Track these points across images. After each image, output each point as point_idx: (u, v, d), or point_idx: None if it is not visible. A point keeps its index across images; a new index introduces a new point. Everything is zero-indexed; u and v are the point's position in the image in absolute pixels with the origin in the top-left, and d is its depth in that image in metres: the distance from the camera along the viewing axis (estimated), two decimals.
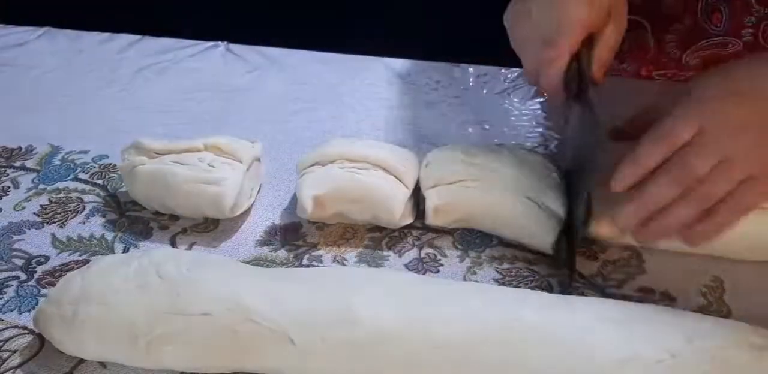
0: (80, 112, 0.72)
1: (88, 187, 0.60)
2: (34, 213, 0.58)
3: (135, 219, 0.56)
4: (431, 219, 0.53)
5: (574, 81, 0.53)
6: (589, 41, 0.53)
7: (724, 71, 0.49)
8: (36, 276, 0.52)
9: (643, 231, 0.46)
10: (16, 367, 0.45)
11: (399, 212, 0.52)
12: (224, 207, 0.53)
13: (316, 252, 0.53)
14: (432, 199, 0.53)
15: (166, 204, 0.55)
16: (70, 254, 0.54)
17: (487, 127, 0.68)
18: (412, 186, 0.54)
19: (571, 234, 0.50)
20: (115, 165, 0.63)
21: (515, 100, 0.72)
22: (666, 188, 0.45)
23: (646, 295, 0.48)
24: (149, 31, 0.91)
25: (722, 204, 0.44)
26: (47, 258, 0.54)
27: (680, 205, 0.45)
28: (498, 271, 0.50)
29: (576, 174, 0.53)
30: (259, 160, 0.59)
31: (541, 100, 0.72)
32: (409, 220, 0.54)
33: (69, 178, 0.62)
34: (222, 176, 0.53)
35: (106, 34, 0.90)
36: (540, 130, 0.67)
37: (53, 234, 0.56)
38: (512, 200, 0.51)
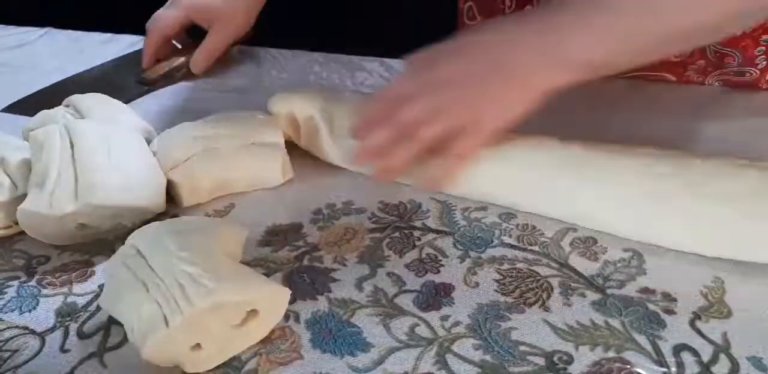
0: None
1: None
2: None
3: None
4: (187, 200, 0.58)
5: None
6: None
7: (461, 39, 0.55)
8: (36, 276, 0.52)
9: (378, 171, 0.56)
10: (17, 367, 0.45)
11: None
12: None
13: (317, 253, 0.53)
14: (178, 180, 0.57)
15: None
16: (70, 254, 0.54)
17: None
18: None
19: None
20: None
21: None
22: (380, 132, 0.53)
23: (646, 296, 0.48)
24: None
25: (439, 151, 0.52)
26: (47, 258, 0.54)
27: (399, 146, 0.53)
28: (498, 272, 0.50)
29: None
30: None
31: None
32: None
33: None
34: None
35: (107, 35, 0.90)
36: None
37: None
38: (238, 152, 0.59)
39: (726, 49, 0.69)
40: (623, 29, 0.49)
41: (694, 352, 0.44)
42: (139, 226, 0.49)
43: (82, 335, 0.47)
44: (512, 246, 0.53)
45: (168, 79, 0.78)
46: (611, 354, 0.44)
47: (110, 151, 0.54)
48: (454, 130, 0.51)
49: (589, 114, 0.65)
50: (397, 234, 0.55)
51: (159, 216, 0.57)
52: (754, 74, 0.70)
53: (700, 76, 0.73)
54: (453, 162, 0.53)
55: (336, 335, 0.46)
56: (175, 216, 0.58)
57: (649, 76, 0.73)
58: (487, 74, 0.51)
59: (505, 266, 0.51)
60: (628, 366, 0.43)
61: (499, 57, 0.51)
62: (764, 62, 0.70)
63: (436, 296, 0.49)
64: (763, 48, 0.69)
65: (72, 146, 0.54)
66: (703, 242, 0.50)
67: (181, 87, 0.78)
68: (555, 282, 0.50)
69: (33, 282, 0.52)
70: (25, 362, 0.45)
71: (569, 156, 0.54)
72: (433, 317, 0.47)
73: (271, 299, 0.45)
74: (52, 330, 0.48)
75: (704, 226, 0.49)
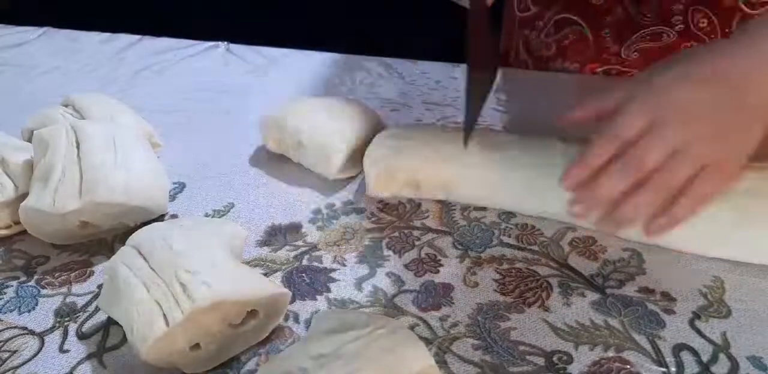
0: None
1: None
2: None
3: None
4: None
5: None
6: None
7: (676, 59, 0.48)
8: (36, 276, 0.52)
9: (605, 223, 0.48)
10: (16, 367, 0.45)
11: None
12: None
13: (316, 253, 0.53)
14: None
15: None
16: (69, 255, 0.54)
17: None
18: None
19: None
20: None
21: None
22: (617, 181, 0.45)
23: (646, 295, 0.48)
24: (149, 31, 0.91)
25: (680, 195, 0.45)
26: (47, 258, 0.54)
27: (638, 194, 0.45)
28: (498, 272, 0.50)
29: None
30: None
31: None
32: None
33: None
34: None
35: (106, 35, 0.90)
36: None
37: None
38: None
39: None
40: None
41: (694, 352, 0.44)
42: (140, 227, 0.49)
43: (81, 335, 0.47)
44: (512, 246, 0.53)
45: None
46: (611, 353, 0.44)
47: (116, 152, 0.54)
48: (696, 171, 0.45)
49: None
50: (396, 234, 0.55)
51: (159, 217, 0.57)
52: (672, 36, 0.69)
53: (615, 42, 0.72)
54: (693, 205, 0.46)
55: None
56: (175, 216, 0.58)
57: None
58: (726, 103, 0.45)
59: (505, 266, 0.51)
60: (628, 366, 0.43)
61: (736, 83, 0.45)
62: (681, 24, 0.68)
63: (436, 296, 0.49)
64: (681, 5, 0.68)
65: (78, 146, 0.54)
66: (702, 242, 0.50)
67: (180, 86, 0.78)
68: (554, 281, 0.50)
69: (32, 283, 0.52)
70: (25, 362, 0.45)
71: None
72: (432, 317, 0.47)
73: (272, 300, 0.45)
74: (51, 330, 0.48)
75: (702, 226, 0.49)
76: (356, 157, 0.60)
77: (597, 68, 0.76)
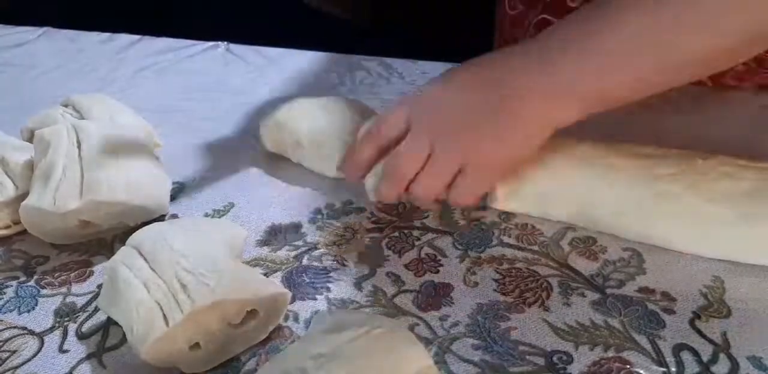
0: None
1: None
2: None
3: None
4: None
5: None
6: None
7: (460, 66, 0.51)
8: (35, 276, 0.52)
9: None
10: (16, 367, 0.45)
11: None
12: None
13: (316, 253, 0.53)
14: None
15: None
16: (69, 254, 0.54)
17: None
18: None
19: None
20: None
21: None
22: (389, 192, 0.52)
23: (646, 295, 0.48)
24: (149, 31, 0.91)
25: (449, 194, 0.50)
26: (47, 258, 0.54)
27: (415, 202, 0.53)
28: (498, 272, 0.50)
29: None
30: None
31: None
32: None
33: None
34: None
35: (106, 35, 0.90)
36: None
37: None
38: None
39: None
40: (625, 59, 0.46)
41: (694, 352, 0.44)
42: (140, 227, 0.49)
43: (81, 335, 0.47)
44: (511, 246, 0.53)
45: None
46: (611, 353, 0.44)
47: (117, 152, 0.54)
48: (452, 173, 0.49)
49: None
50: (396, 233, 0.55)
51: (159, 217, 0.57)
52: None
53: (736, 82, 0.69)
54: (454, 204, 0.53)
55: None
56: (175, 216, 0.58)
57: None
58: (484, 113, 0.48)
59: (505, 266, 0.51)
60: (628, 366, 0.43)
61: (500, 93, 0.48)
62: None
63: (436, 296, 0.49)
64: None
65: (79, 145, 0.54)
66: (702, 242, 0.50)
67: (179, 86, 0.78)
68: (554, 281, 0.49)
69: (32, 283, 0.52)
70: (24, 362, 0.45)
71: (580, 156, 0.54)
72: (432, 317, 0.47)
73: (272, 300, 0.45)
74: (50, 330, 0.48)
75: (703, 227, 0.49)
76: None
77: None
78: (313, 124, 0.60)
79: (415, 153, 0.49)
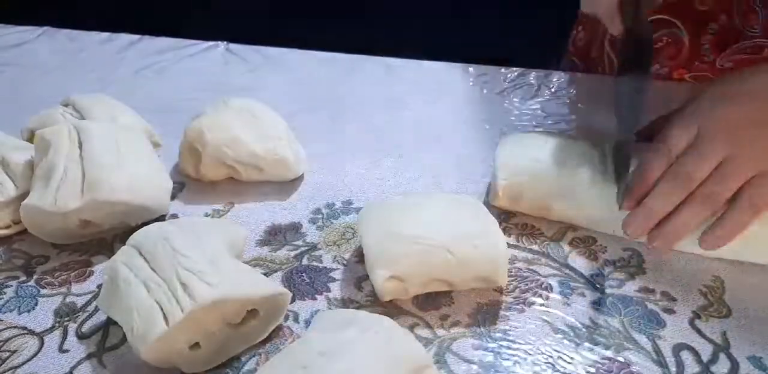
0: None
1: None
2: None
3: None
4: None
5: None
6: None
7: (731, 77, 0.49)
8: (35, 276, 0.52)
9: (655, 238, 0.48)
10: (16, 367, 0.45)
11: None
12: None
13: (316, 253, 0.53)
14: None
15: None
16: (69, 254, 0.54)
17: (487, 126, 0.68)
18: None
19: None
20: None
21: (515, 99, 0.72)
22: (668, 196, 0.46)
23: (646, 295, 0.48)
24: (149, 31, 0.91)
25: (732, 205, 0.45)
26: (47, 258, 0.54)
27: (686, 208, 0.46)
28: None
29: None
30: None
31: (542, 99, 0.72)
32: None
33: None
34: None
35: (106, 34, 0.90)
36: (539, 130, 0.67)
37: None
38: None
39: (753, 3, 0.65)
40: None
41: (694, 352, 0.44)
42: (141, 227, 0.49)
43: (81, 335, 0.47)
44: (511, 246, 0.53)
45: None
46: (611, 353, 0.44)
47: (119, 152, 0.54)
48: (743, 182, 0.46)
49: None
50: None
51: (159, 217, 0.57)
52: None
53: (713, 50, 0.69)
54: (746, 215, 0.46)
55: None
56: (175, 216, 0.58)
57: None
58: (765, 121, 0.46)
59: (507, 265, 0.51)
60: (628, 366, 0.43)
61: None
62: None
63: (436, 295, 0.49)
64: None
65: (80, 146, 0.54)
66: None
67: (179, 86, 0.78)
68: (554, 281, 0.49)
69: (32, 282, 0.52)
70: (24, 362, 0.45)
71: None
72: (432, 317, 0.47)
73: (272, 299, 0.45)
74: (51, 330, 0.47)
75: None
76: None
77: (686, 74, 0.73)
78: (257, 139, 0.59)
79: (706, 159, 0.46)
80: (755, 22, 0.66)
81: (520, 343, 0.45)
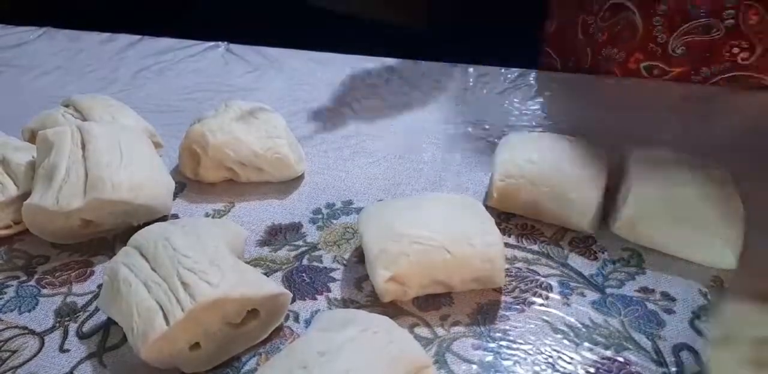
0: None
1: None
2: None
3: None
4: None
5: None
6: None
7: None
8: (36, 276, 0.52)
9: None
10: (17, 367, 0.45)
11: None
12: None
13: (316, 253, 0.53)
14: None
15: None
16: (70, 254, 0.54)
17: (487, 127, 0.68)
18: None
19: None
20: None
21: (515, 100, 0.72)
22: None
23: (646, 295, 0.48)
24: (149, 31, 0.91)
25: None
26: (47, 258, 0.54)
27: None
28: None
29: None
30: None
31: (541, 99, 0.72)
32: None
33: None
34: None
35: (106, 35, 0.90)
36: (540, 130, 0.67)
37: None
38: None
39: None
40: None
41: (694, 352, 0.44)
42: (142, 227, 0.49)
43: (81, 335, 0.47)
44: (511, 246, 0.53)
45: None
46: (611, 353, 0.44)
47: (121, 152, 0.54)
48: None
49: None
50: None
51: (160, 217, 0.57)
52: (720, 31, 0.68)
53: (665, 31, 0.71)
54: None
55: None
56: (176, 216, 0.58)
57: (753, 78, 0.71)
58: None
59: (505, 265, 0.51)
60: (628, 366, 0.43)
61: None
62: (731, 20, 0.68)
63: (436, 295, 0.49)
64: None
65: (83, 146, 0.54)
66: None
67: (179, 86, 0.78)
68: (554, 281, 0.50)
69: (32, 282, 0.52)
70: (25, 362, 0.45)
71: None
72: (432, 317, 0.47)
73: (272, 299, 0.45)
74: (51, 330, 0.48)
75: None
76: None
77: (642, 61, 0.75)
78: (256, 140, 0.59)
79: None
80: (700, 2, 0.68)
81: (520, 343, 0.45)
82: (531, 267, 0.51)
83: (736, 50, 0.69)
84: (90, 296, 0.50)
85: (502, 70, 0.78)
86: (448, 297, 0.48)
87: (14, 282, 0.52)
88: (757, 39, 0.67)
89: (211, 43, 0.87)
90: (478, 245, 0.46)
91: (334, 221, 0.56)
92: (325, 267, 0.52)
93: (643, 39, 0.73)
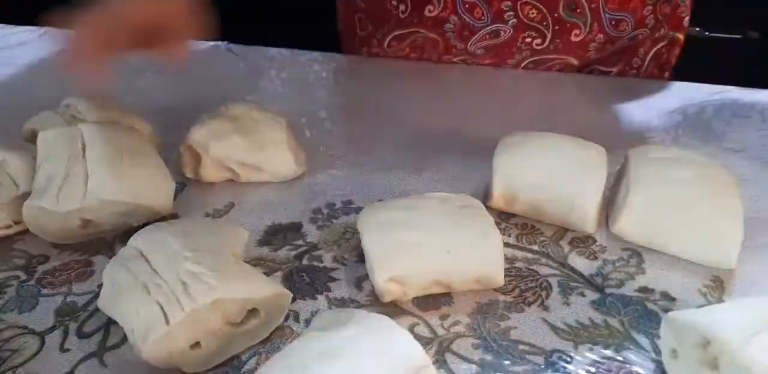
0: None
1: None
2: None
3: None
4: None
5: None
6: None
7: None
8: (36, 275, 0.52)
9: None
10: (16, 367, 0.45)
11: None
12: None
13: (316, 252, 0.53)
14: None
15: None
16: (70, 254, 0.54)
17: (488, 127, 0.68)
18: None
19: None
20: None
21: (520, 99, 0.73)
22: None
23: (645, 295, 0.48)
24: None
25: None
26: (47, 258, 0.54)
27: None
28: None
29: None
30: None
31: (546, 99, 0.72)
32: None
33: None
34: None
35: None
36: (542, 131, 0.67)
37: None
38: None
39: (619, 15, 0.73)
40: None
41: None
42: (142, 227, 0.49)
43: (81, 334, 0.47)
44: (511, 246, 0.53)
45: None
46: (610, 353, 0.44)
47: (122, 153, 0.54)
48: None
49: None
50: None
51: (160, 218, 0.57)
52: (645, 34, 0.75)
53: (598, 53, 0.77)
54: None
55: None
56: (176, 216, 0.58)
57: (554, 59, 0.77)
58: None
59: (505, 265, 0.51)
60: (627, 365, 0.43)
61: None
62: (653, 21, 0.74)
63: (436, 295, 0.49)
64: (650, 7, 0.73)
65: (83, 147, 0.54)
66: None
67: (179, 86, 0.78)
68: (554, 281, 0.50)
69: (33, 282, 0.52)
70: (25, 362, 0.45)
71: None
72: (432, 316, 0.47)
73: (273, 299, 0.45)
74: (51, 329, 0.48)
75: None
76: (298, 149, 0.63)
77: (452, 58, 0.79)
78: (251, 140, 0.60)
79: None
80: (481, 15, 0.74)
81: (519, 343, 0.45)
82: (531, 267, 0.51)
83: (528, 39, 0.75)
84: (90, 296, 0.50)
85: (503, 70, 0.78)
86: (448, 297, 0.48)
87: (14, 282, 0.52)
88: (541, 26, 0.74)
89: (211, 43, 0.87)
90: (479, 245, 0.47)
91: (334, 221, 0.57)
92: (325, 267, 0.52)
93: (445, 47, 0.78)
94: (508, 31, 0.74)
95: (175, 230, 0.47)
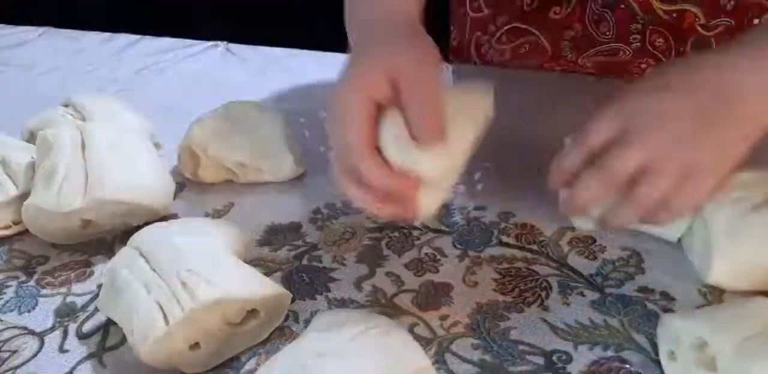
0: None
1: None
2: None
3: None
4: None
5: None
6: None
7: (664, 69, 0.48)
8: (36, 276, 0.52)
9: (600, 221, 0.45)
10: (16, 367, 0.45)
11: None
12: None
13: (316, 253, 0.53)
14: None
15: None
16: (70, 254, 0.54)
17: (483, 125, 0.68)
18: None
19: None
20: None
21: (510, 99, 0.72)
22: (594, 190, 0.43)
23: (645, 295, 0.48)
24: (149, 31, 0.91)
25: (662, 206, 0.43)
26: (47, 258, 0.54)
27: (622, 207, 0.43)
28: (497, 271, 0.50)
29: None
30: None
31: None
32: None
33: None
34: None
35: (106, 34, 0.90)
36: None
37: None
38: None
39: (603, 10, 0.70)
40: None
41: None
42: (142, 227, 0.49)
43: (81, 335, 0.47)
44: (511, 246, 0.53)
45: None
46: (610, 353, 0.44)
47: (122, 153, 0.55)
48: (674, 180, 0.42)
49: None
50: (396, 233, 0.55)
51: (160, 218, 0.57)
52: (627, 53, 0.72)
53: (573, 52, 0.74)
54: (674, 216, 0.44)
55: None
56: (176, 216, 0.58)
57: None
58: (705, 113, 0.43)
59: (504, 265, 0.51)
60: (627, 366, 0.43)
61: (719, 93, 0.43)
62: (638, 43, 0.71)
63: (435, 295, 0.49)
64: (639, 26, 0.70)
65: (83, 147, 0.54)
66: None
67: (179, 86, 0.78)
68: (554, 281, 0.50)
69: (32, 282, 0.52)
70: (25, 362, 0.45)
71: None
72: (432, 316, 0.47)
73: (272, 299, 0.45)
74: (51, 330, 0.48)
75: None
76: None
77: (555, 67, 0.77)
78: (251, 140, 0.59)
79: (628, 155, 0.43)
80: (606, 29, 0.71)
81: (519, 343, 0.45)
82: (531, 267, 0.51)
83: (644, 66, 0.72)
84: (90, 296, 0.50)
85: (503, 71, 0.77)
86: (447, 296, 0.48)
87: (14, 283, 0.52)
88: (663, 56, 0.71)
89: (211, 43, 0.87)
90: None
91: (334, 221, 0.56)
92: (325, 267, 0.52)
93: (553, 57, 0.75)
94: (627, 52, 0.72)
95: (175, 230, 0.47)
